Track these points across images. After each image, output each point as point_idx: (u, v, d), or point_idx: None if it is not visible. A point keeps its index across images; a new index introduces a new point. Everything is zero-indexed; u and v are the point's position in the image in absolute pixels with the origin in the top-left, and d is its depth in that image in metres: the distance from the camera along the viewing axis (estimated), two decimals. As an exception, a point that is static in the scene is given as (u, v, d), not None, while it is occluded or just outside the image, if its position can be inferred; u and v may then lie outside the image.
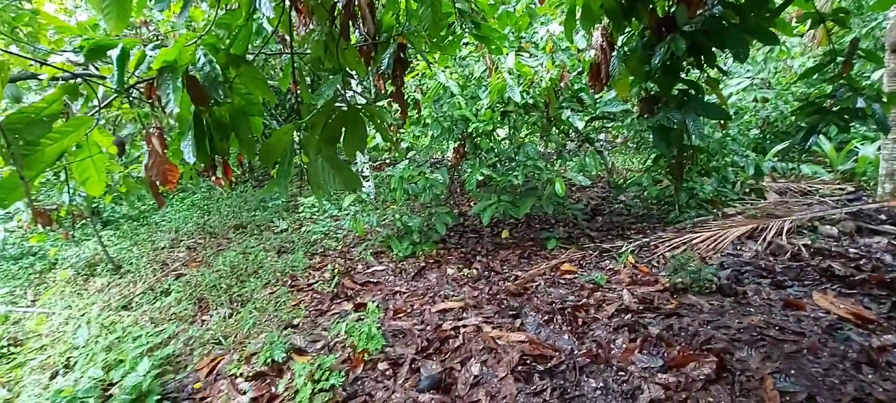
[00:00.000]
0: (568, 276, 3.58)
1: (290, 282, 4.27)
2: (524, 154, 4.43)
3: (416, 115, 4.29)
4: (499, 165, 4.85)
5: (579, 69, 4.18)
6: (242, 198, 8.47)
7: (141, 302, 4.22)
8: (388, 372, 2.49)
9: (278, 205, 7.51)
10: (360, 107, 1.97)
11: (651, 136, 3.75)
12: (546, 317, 2.88)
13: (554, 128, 4.66)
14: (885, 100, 2.72)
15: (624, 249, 3.98)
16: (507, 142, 4.92)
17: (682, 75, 3.03)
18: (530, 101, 4.14)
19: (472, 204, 4.72)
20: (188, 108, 1.72)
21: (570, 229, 5.23)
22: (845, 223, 4.07)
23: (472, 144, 4.83)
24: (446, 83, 4.16)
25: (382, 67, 2.65)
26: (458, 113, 4.32)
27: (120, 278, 5.09)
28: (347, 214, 5.10)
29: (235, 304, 3.85)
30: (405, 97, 4.30)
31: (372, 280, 4.12)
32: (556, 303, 3.05)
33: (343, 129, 2.00)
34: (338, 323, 3.12)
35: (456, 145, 4.46)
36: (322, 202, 5.41)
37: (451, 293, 3.56)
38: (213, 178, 2.41)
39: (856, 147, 5.26)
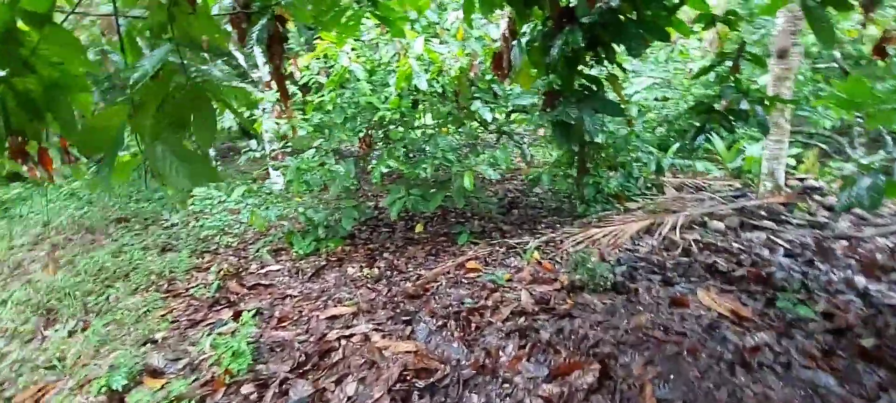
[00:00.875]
0: (472, 275, 3.45)
1: (166, 287, 3.74)
2: (435, 145, 4.23)
3: (317, 100, 3.91)
4: (411, 157, 4.61)
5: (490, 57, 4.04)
6: (135, 185, 7.52)
7: (-30, 315, 3.49)
8: (252, 397, 2.17)
9: (169, 195, 6.73)
10: (209, 83, 1.63)
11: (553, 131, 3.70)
12: (440, 323, 2.70)
13: (468, 119, 4.51)
14: (766, 102, 2.84)
15: (530, 245, 3.92)
16: (419, 132, 4.69)
17: (585, 70, 2.96)
18: (439, 90, 3.92)
19: (386, 193, 4.46)
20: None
21: (484, 223, 5.14)
22: (731, 218, 4.32)
23: (380, 134, 4.53)
24: (350, 66, 3.82)
25: (252, 42, 2.27)
26: (364, 100, 4.01)
27: (-47, 283, 4.22)
28: (245, 206, 4.61)
29: (91, 315, 3.28)
30: (290, 79, 3.92)
31: (263, 282, 3.72)
32: (452, 306, 2.88)
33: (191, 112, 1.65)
34: (208, 335, 2.73)
35: (362, 135, 4.14)
36: (213, 191, 4.85)
37: (347, 295, 3.28)
38: (27, 169, 1.95)
39: (743, 146, 5.67)
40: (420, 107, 4.41)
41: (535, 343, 2.38)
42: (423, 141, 4.38)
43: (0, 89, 1.57)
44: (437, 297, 3.08)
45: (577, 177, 3.34)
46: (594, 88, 2.87)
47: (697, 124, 2.79)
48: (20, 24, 1.46)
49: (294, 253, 4.26)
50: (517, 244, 4.04)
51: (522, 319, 2.64)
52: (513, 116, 4.87)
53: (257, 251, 4.47)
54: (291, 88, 3.88)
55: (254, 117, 3.58)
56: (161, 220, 5.79)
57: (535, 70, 2.91)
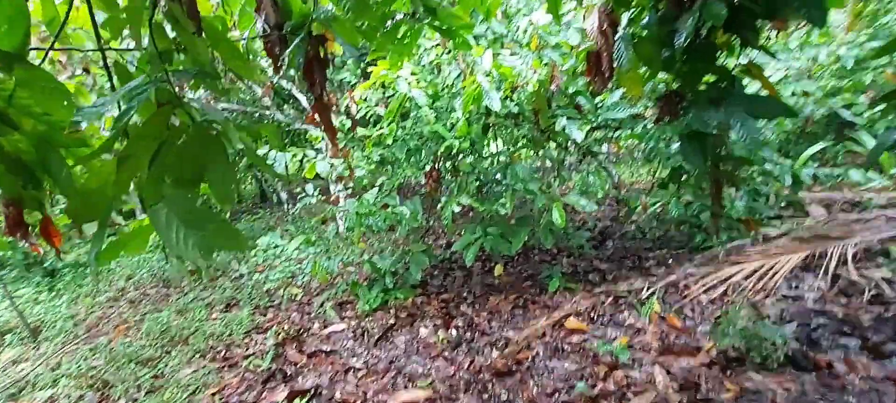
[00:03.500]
0: (575, 338, 2.69)
1: (223, 353, 3.37)
2: (513, 175, 3.56)
3: (375, 134, 3.44)
4: (486, 189, 3.99)
5: (574, 66, 3.35)
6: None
7: (35, 384, 3.33)
8: None
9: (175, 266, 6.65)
10: (218, 122, 1.17)
11: (676, 146, 2.89)
12: (546, 419, 1.98)
13: (548, 140, 3.82)
14: None
15: (646, 294, 3.08)
16: (493, 160, 4.07)
17: (718, 62, 2.19)
18: (515, 110, 3.29)
19: (459, 234, 3.87)
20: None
21: (575, 261, 4.34)
22: (927, 244, 3.16)
23: (449, 166, 3.97)
24: (411, 93, 3.32)
25: (285, 68, 1.78)
26: (428, 129, 3.48)
27: (35, 347, 4.20)
28: (306, 257, 4.23)
29: (142, 392, 2.96)
30: (346, 113, 3.49)
31: (324, 347, 3.22)
32: (559, 393, 2.15)
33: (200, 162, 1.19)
34: (255, 431, 2.23)
35: (428, 169, 3.60)
36: (278, 239, 4.56)
37: (420, 369, 2.66)
38: (29, 245, 1.60)
39: (913, 145, 4.37)
40: (491, 132, 3.79)
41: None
42: (497, 170, 3.74)
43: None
44: (534, 374, 2.36)
45: (715, 205, 2.53)
46: (731, 85, 2.08)
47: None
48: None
49: (359, 309, 3.75)
50: (627, 291, 3.20)
51: (667, 417, 1.85)
52: (598, 133, 4.10)
53: (321, 305, 4.04)
54: (347, 123, 3.45)
55: (306, 158, 3.18)
56: (230, 271, 5.64)
57: (648, 68, 2.18)
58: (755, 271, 3.19)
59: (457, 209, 3.22)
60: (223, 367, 3.17)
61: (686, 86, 2.11)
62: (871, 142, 4.71)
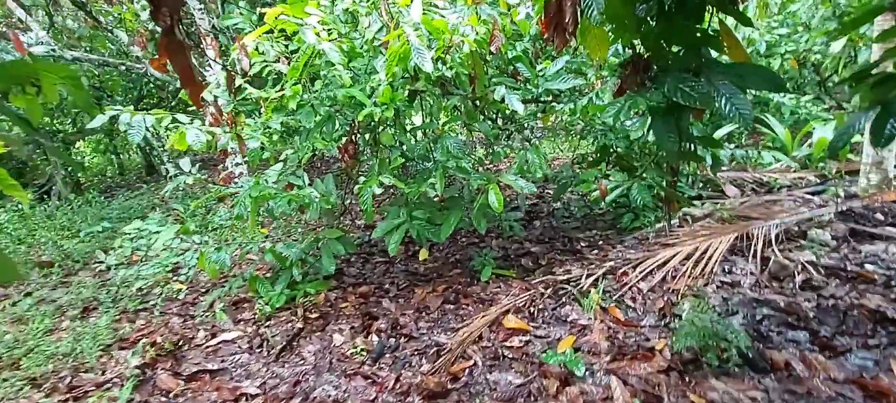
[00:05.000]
0: (516, 341, 2.34)
1: (68, 382, 2.55)
2: (444, 150, 3.10)
3: (273, 97, 2.74)
4: (411, 165, 3.48)
5: (516, 30, 2.92)
6: (72, 216, 6.24)
7: None
8: None
9: (109, 229, 5.48)
10: None
11: (640, 122, 2.61)
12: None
13: (482, 112, 3.39)
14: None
15: (586, 283, 2.83)
16: (420, 133, 3.56)
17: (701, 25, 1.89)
18: (448, 74, 2.79)
19: (382, 217, 3.34)
20: None
21: (504, 243, 4.04)
22: (836, 226, 3.29)
23: (368, 139, 3.39)
24: (320, 47, 2.67)
25: None
26: (342, 93, 2.86)
27: None
28: (190, 246, 3.43)
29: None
30: (243, 67, 2.75)
31: (209, 365, 2.56)
32: (506, 418, 1.77)
33: None
34: None
35: (343, 142, 3.00)
36: (148, 224, 3.66)
37: (334, 392, 2.15)
38: None
39: (813, 128, 4.65)
40: (418, 99, 3.27)
41: None
42: (427, 145, 3.25)
43: None
44: (474, 393, 1.97)
45: (671, 188, 2.30)
46: (710, 51, 1.79)
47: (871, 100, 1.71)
48: None
49: (259, 310, 3.10)
50: (565, 280, 2.94)
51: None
52: (532, 106, 3.75)
53: (209, 307, 3.30)
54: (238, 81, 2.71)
55: (175, 125, 2.40)
56: (93, 263, 4.56)
57: (615, 29, 1.81)
58: (690, 255, 3.10)
59: (378, 191, 2.68)
60: (68, 401, 2.37)
61: (658, 53, 1.78)
62: (777, 126, 4.96)
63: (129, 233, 3.73)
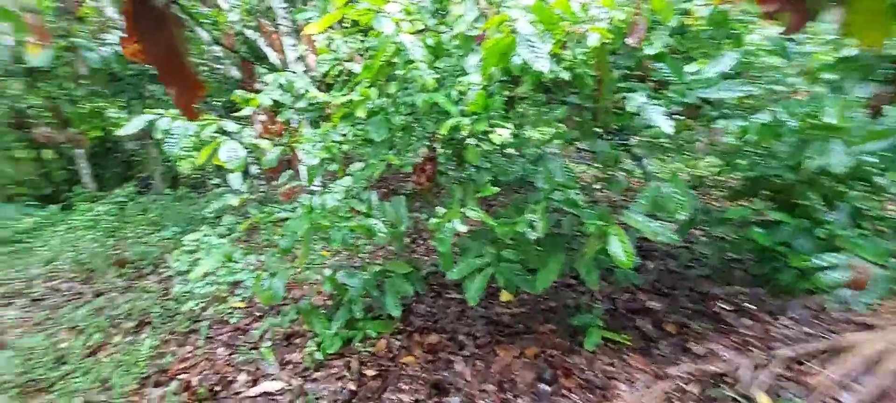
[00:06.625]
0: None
1: (92, 423, 2.19)
2: (546, 174, 2.37)
3: (341, 102, 2.20)
4: (504, 191, 2.79)
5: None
6: (163, 210, 6.33)
7: None
8: None
9: (186, 229, 5.39)
10: None
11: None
12: None
13: (606, 127, 2.60)
14: None
15: (751, 382, 1.94)
16: (513, 150, 2.86)
17: None
18: (563, 76, 2.06)
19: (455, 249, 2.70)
20: None
21: (611, 290, 3.20)
22: None
23: (450, 154, 2.75)
24: (400, 40, 2.08)
25: None
26: (423, 100, 2.25)
27: None
28: (239, 268, 3.02)
29: None
30: (309, 65, 2.19)
31: (242, 430, 2.06)
32: None
33: None
34: None
35: (419, 161, 2.39)
36: (211, 238, 3.34)
37: None
38: None
39: None
40: (518, 108, 2.57)
41: None
42: (523, 168, 2.54)
43: None
44: None
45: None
46: None
47: None
48: None
49: (308, 354, 2.58)
50: (719, 374, 2.06)
51: None
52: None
53: (259, 338, 2.86)
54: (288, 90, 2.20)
55: (209, 138, 1.91)
56: (163, 265, 4.43)
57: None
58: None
59: (462, 228, 2.01)
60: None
61: None
62: None
63: (188, 245, 3.43)
